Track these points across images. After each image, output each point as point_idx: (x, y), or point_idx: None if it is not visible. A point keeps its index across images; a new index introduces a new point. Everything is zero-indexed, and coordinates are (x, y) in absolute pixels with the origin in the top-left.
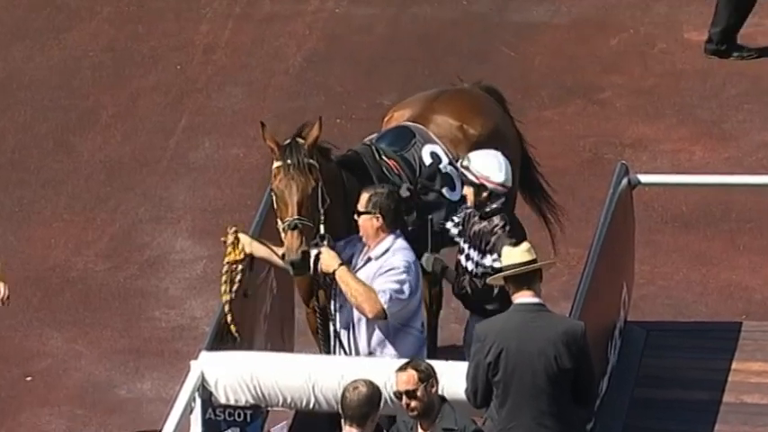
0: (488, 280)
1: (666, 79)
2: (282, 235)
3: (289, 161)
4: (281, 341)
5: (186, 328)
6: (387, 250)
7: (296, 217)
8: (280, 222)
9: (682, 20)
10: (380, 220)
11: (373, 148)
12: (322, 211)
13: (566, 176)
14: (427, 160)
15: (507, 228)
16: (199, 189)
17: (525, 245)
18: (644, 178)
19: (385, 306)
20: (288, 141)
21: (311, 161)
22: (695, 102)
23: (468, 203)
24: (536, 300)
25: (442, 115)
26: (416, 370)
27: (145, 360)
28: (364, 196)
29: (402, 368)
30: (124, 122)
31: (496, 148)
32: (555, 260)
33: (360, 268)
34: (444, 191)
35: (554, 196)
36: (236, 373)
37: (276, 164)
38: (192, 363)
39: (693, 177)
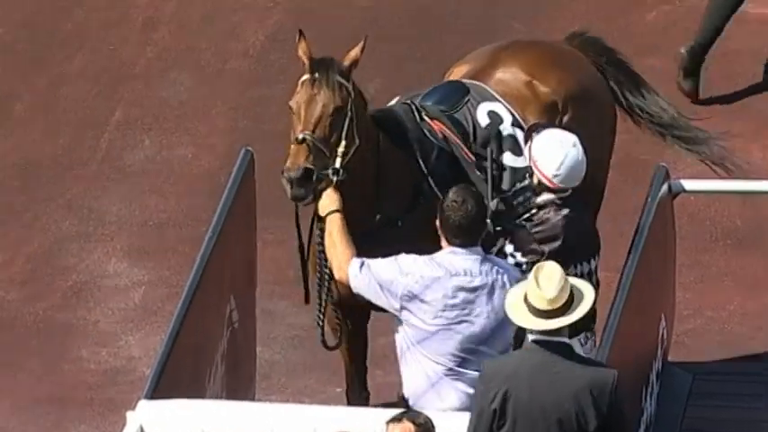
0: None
1: (717, 62)
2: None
3: (317, 75)
4: (240, 386)
5: (121, 372)
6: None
7: (308, 132)
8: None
9: None
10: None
11: (413, 106)
12: (344, 143)
13: None
14: (483, 121)
15: (539, 229)
16: (136, 198)
17: (552, 288)
18: (688, 184)
19: (350, 276)
20: (322, 57)
21: (343, 81)
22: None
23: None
24: (561, 339)
25: (509, 68)
26: (414, 423)
27: (70, 411)
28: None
29: (396, 419)
30: (44, 116)
31: (578, 118)
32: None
33: None
34: (506, 156)
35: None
36: (183, 427)
37: (302, 78)
38: (129, 414)
39: (750, 183)
